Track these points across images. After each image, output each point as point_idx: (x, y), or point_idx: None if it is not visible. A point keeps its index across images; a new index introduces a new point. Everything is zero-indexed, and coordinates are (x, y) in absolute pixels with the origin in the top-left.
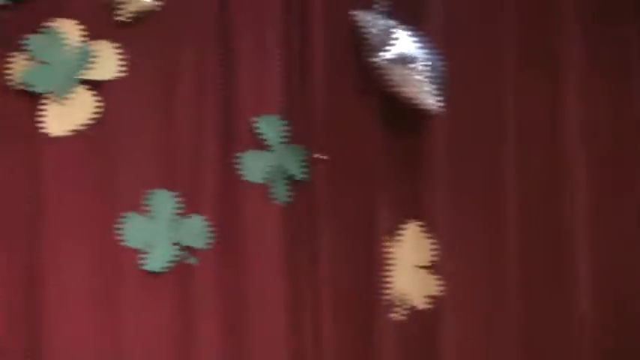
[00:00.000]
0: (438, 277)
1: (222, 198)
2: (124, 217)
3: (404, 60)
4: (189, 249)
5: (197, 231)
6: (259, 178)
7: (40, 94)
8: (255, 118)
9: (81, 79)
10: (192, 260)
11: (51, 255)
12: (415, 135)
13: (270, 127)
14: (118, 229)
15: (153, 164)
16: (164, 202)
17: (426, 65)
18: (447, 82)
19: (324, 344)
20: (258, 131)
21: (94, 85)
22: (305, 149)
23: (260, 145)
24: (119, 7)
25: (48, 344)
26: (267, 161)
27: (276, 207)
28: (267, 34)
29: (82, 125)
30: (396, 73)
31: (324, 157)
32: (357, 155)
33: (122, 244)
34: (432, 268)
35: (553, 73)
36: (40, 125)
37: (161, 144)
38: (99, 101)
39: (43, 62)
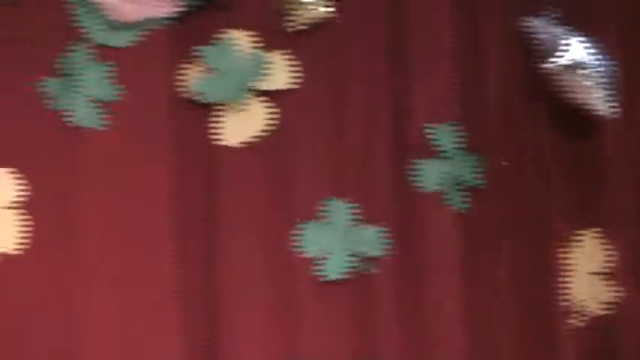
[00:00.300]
0: (616, 283)
1: (397, 206)
2: (300, 226)
3: (576, 66)
4: (365, 258)
5: (373, 240)
6: (434, 186)
7: (214, 103)
8: (429, 126)
9: (254, 88)
10: (368, 269)
11: (228, 263)
12: (589, 141)
13: (444, 135)
14: (294, 237)
15: (328, 173)
16: (339, 211)
17: (598, 71)
18: (620, 86)
19: (504, 350)
20: (432, 139)
21: (268, 95)
22: (480, 156)
23: (434, 152)
24: (291, 16)
25: (225, 351)
26: (441, 169)
27: (451, 214)
28: (439, 41)
29: (257, 135)
30: (568, 79)
31: (505, 164)
32: (531, 161)
33: (298, 252)
34: (610, 274)
35: None
36: (215, 135)
37: (335, 153)
38: (272, 111)
39: (216, 72)
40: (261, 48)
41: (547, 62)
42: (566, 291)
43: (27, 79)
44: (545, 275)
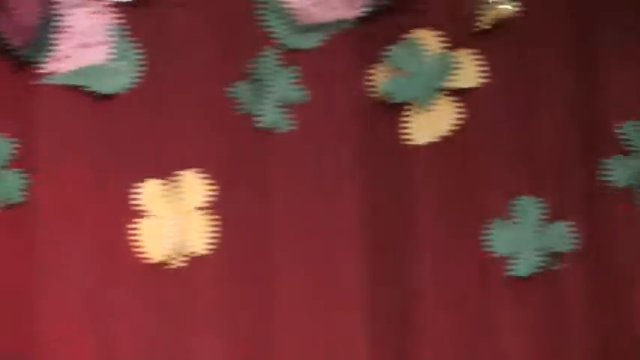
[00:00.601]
0: None
1: (587, 203)
2: (491, 223)
3: None
4: (554, 254)
5: (562, 236)
6: (624, 182)
7: (402, 104)
8: (620, 124)
9: (442, 88)
10: (558, 265)
11: (419, 261)
12: None
13: (634, 132)
14: (485, 235)
15: (517, 171)
16: (529, 208)
17: None
18: None
19: None
20: (623, 137)
21: (456, 94)
22: None
23: (625, 149)
24: (478, 15)
25: (416, 347)
26: (632, 166)
27: None
28: (628, 37)
29: (446, 134)
30: None
31: None
32: None
33: (489, 250)
34: None
35: None
36: (403, 135)
37: (524, 150)
38: (461, 109)
39: (404, 72)
40: (449, 47)
41: None
42: None
43: (219, 84)
44: None
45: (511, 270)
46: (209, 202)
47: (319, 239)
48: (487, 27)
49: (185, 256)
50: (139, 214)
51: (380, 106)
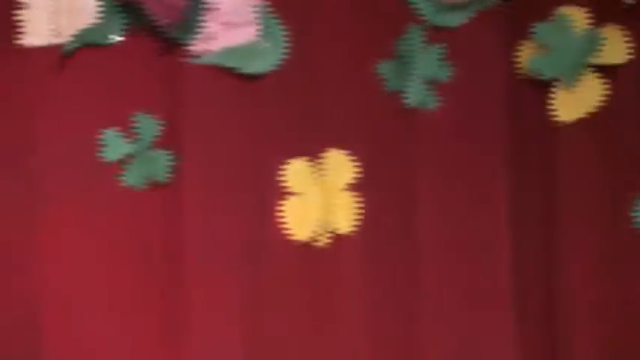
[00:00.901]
0: None
1: None
2: (637, 200)
3: None
4: None
5: None
6: None
7: (549, 81)
8: None
9: (589, 64)
10: None
11: (566, 238)
12: None
13: None
14: (632, 213)
15: None
16: None
17: None
18: None
19: None
20: None
21: (602, 70)
22: None
23: None
24: None
25: (561, 327)
26: None
27: None
28: None
29: (593, 111)
30: None
31: None
32: None
33: (635, 227)
34: None
35: None
36: (550, 112)
37: None
38: (608, 86)
39: (551, 49)
40: (595, 23)
41: None
42: None
43: (365, 63)
44: None
45: None
46: (355, 181)
47: (464, 219)
48: (634, 3)
49: (330, 235)
50: (285, 193)
51: (526, 84)
